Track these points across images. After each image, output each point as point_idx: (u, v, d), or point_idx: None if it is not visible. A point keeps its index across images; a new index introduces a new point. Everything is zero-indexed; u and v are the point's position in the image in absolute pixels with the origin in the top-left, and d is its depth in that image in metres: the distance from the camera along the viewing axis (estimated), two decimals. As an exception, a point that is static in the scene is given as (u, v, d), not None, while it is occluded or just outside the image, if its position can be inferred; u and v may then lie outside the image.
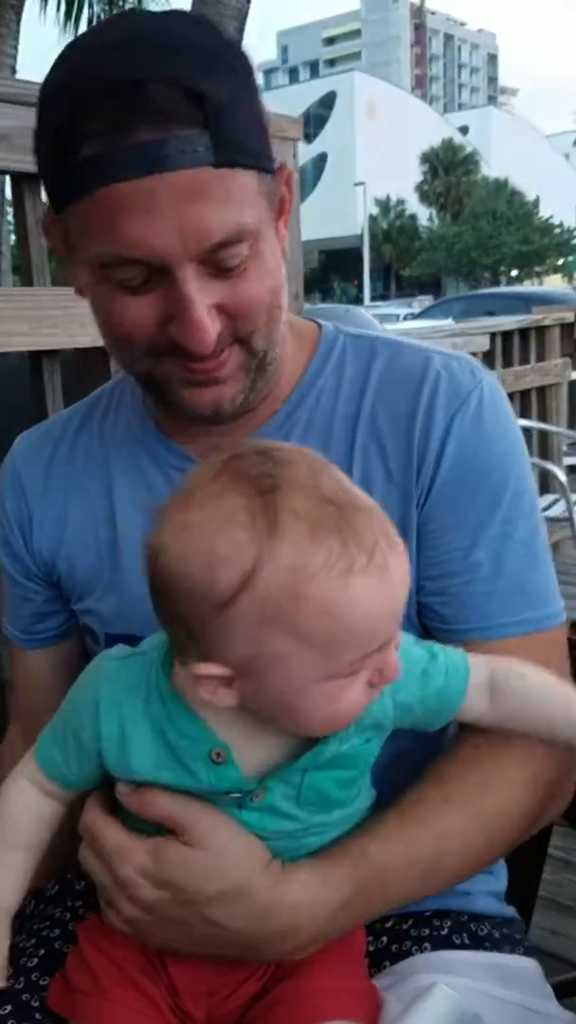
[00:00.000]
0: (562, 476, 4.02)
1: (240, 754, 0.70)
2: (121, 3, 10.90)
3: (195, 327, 0.76)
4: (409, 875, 0.78)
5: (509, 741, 0.82)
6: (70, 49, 0.78)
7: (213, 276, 0.76)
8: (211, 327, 0.76)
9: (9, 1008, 0.81)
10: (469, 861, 0.82)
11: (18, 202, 1.86)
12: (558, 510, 4.00)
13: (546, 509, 4.04)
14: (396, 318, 18.50)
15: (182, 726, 0.70)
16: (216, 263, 0.75)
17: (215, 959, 0.75)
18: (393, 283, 65.92)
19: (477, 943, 0.89)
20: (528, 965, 0.90)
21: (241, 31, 6.93)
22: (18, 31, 7.42)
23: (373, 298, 51.13)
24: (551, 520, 4.15)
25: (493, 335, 4.35)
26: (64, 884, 1.00)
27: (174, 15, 0.77)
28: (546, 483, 4.36)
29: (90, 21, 10.70)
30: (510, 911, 0.98)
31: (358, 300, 44.78)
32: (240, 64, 0.76)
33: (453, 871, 0.81)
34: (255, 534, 0.61)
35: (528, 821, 0.85)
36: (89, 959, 0.77)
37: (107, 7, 10.85)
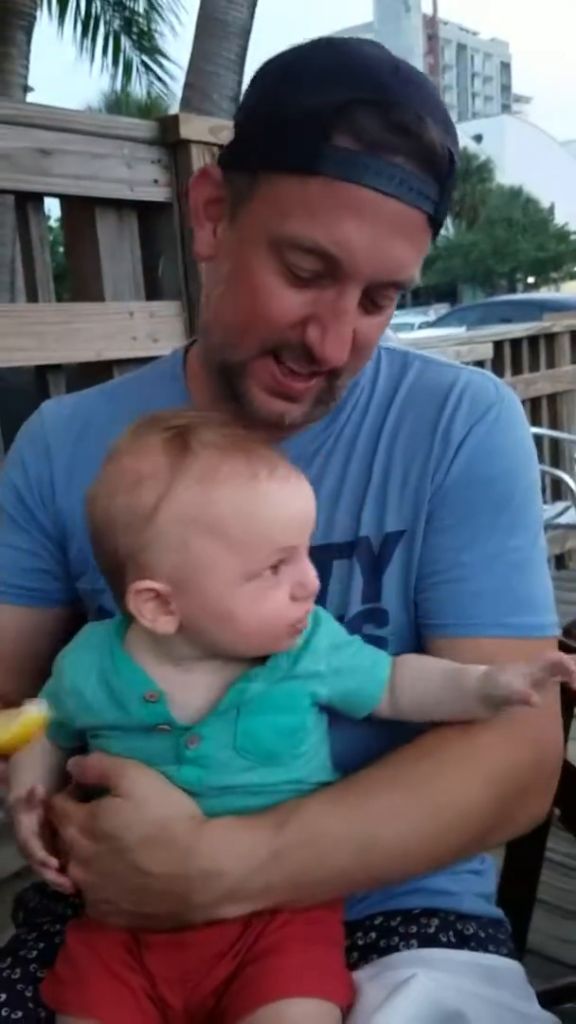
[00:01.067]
0: (573, 484, 4.01)
1: (175, 700, 0.77)
2: (138, 22, 11.01)
3: (340, 339, 0.80)
4: (345, 844, 0.78)
5: (469, 737, 0.84)
6: (336, 43, 0.80)
7: (362, 306, 0.80)
8: (349, 344, 0.81)
9: (4, 996, 0.84)
10: (412, 847, 0.81)
11: (22, 221, 1.90)
12: (569, 518, 3.98)
13: (558, 516, 4.03)
14: (411, 327, 18.50)
15: (124, 675, 0.79)
16: (374, 296, 0.81)
17: (155, 922, 0.77)
18: (409, 291, 65.92)
19: (463, 942, 0.91)
20: (512, 966, 0.92)
21: (244, 47, 6.97)
22: (29, 51, 7.50)
23: (389, 307, 51.00)
24: (563, 528, 4.15)
25: (501, 343, 4.34)
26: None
27: (414, 69, 0.81)
28: (557, 491, 4.35)
29: (106, 39, 10.83)
30: (497, 912, 0.99)
31: (374, 310, 44.64)
32: (457, 142, 0.81)
33: (395, 853, 0.81)
34: (169, 457, 0.73)
35: (489, 818, 0.84)
36: (74, 953, 0.81)
37: (124, 25, 10.97)
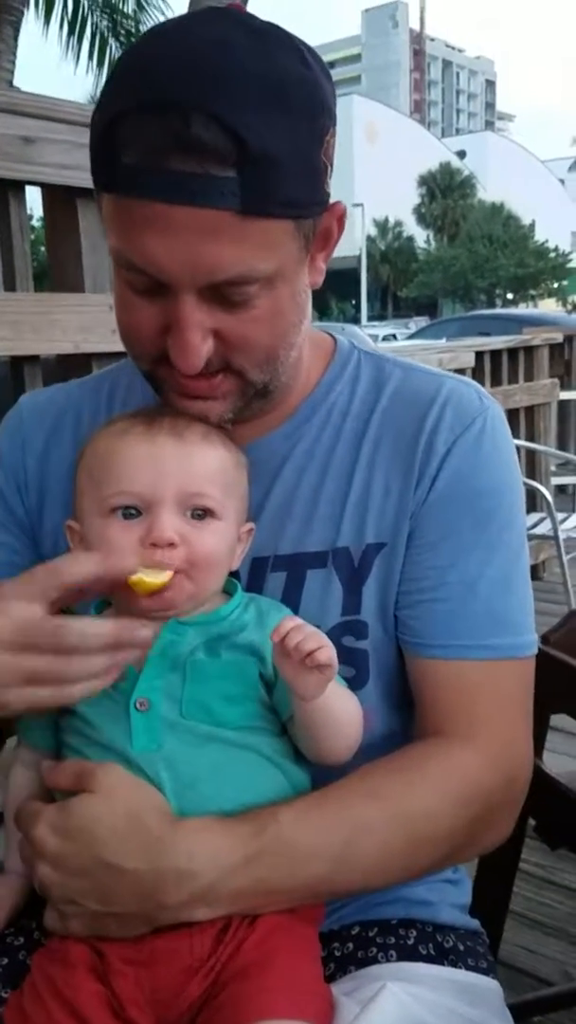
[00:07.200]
0: (549, 495, 4.04)
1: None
2: (123, 22, 10.98)
3: (184, 347, 0.77)
4: (320, 855, 0.77)
5: (446, 756, 0.84)
6: (147, 38, 0.77)
7: (217, 304, 0.77)
8: (200, 351, 0.77)
9: None
10: (385, 859, 0.80)
11: (2, 208, 1.87)
12: (544, 528, 4.01)
13: (533, 527, 4.05)
14: (392, 338, 18.64)
15: None
16: (221, 295, 0.76)
17: (121, 924, 0.75)
18: (390, 304, 66.37)
19: (442, 955, 0.89)
20: (490, 984, 0.90)
21: None
22: (16, 46, 7.49)
23: (370, 318, 51.41)
24: (538, 538, 4.17)
25: (482, 354, 4.36)
26: (33, 893, 0.98)
27: (255, 30, 0.74)
28: (533, 502, 4.37)
29: (92, 38, 10.79)
30: (474, 923, 0.98)
31: (355, 320, 45.00)
32: (307, 99, 0.74)
33: (368, 866, 0.80)
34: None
35: (459, 837, 0.84)
36: (42, 990, 0.77)
37: (110, 24, 10.94)
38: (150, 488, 0.79)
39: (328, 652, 0.73)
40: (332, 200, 0.81)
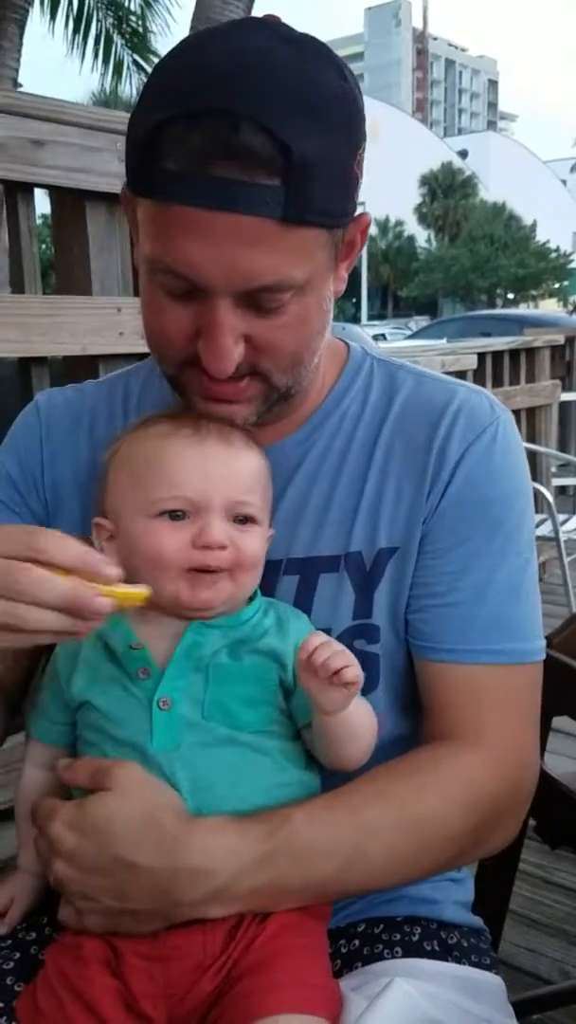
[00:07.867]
0: (550, 496, 4.05)
1: (152, 650, 0.83)
2: (128, 21, 10.95)
3: (217, 351, 0.78)
4: (331, 856, 0.79)
5: (455, 759, 0.86)
6: (188, 46, 0.77)
7: (250, 309, 0.78)
8: (233, 355, 0.79)
9: None
10: (392, 861, 0.82)
11: (11, 210, 1.88)
12: (545, 529, 4.02)
13: (534, 528, 4.07)
14: (382, 338, 18.60)
15: (116, 630, 0.84)
16: (255, 301, 0.77)
17: (136, 921, 0.76)
18: (390, 303, 66.30)
19: (446, 951, 0.91)
20: (494, 980, 0.92)
21: None
22: (21, 44, 7.48)
23: (370, 317, 51.34)
24: (539, 540, 4.18)
25: (483, 355, 4.37)
26: (45, 889, 0.99)
27: (295, 42, 0.75)
28: (534, 503, 4.38)
29: (97, 38, 10.77)
30: (477, 921, 1.00)
31: (355, 319, 44.94)
32: (345, 112, 0.75)
33: (376, 868, 0.81)
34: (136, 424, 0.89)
35: (465, 840, 0.85)
36: (55, 984, 0.79)
37: (115, 23, 10.92)
38: (201, 493, 0.81)
39: (355, 671, 0.75)
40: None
